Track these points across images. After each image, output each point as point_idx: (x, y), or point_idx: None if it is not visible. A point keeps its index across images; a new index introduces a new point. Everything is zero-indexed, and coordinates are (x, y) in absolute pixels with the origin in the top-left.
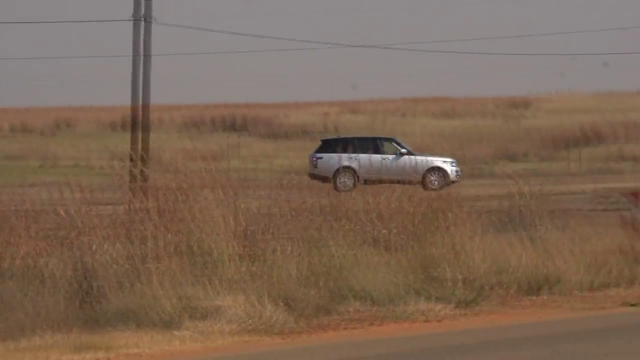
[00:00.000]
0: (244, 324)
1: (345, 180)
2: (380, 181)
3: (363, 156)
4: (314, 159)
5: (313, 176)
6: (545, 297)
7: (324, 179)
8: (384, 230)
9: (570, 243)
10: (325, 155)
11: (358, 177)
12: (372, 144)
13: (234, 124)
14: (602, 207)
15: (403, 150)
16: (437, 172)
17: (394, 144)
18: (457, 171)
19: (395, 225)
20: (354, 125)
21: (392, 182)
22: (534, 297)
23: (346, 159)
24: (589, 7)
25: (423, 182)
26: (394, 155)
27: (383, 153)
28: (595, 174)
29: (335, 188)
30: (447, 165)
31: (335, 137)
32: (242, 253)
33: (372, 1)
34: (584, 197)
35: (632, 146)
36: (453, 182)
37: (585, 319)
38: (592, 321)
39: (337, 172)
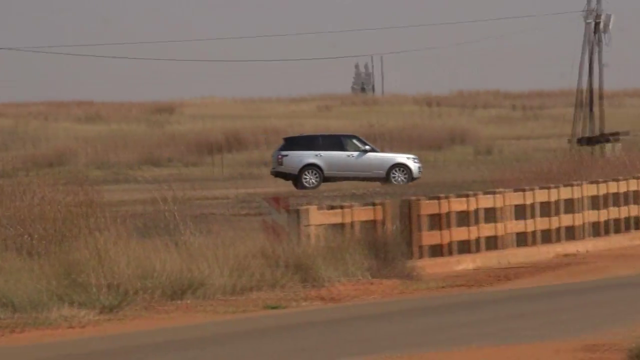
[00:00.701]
0: None
1: (311, 177)
2: (345, 178)
3: (328, 153)
4: (279, 156)
5: (277, 174)
6: (189, 302)
7: (288, 176)
8: (26, 236)
9: (214, 247)
10: (291, 153)
11: (323, 174)
12: (336, 141)
13: None
14: (244, 211)
15: (367, 147)
16: (400, 168)
17: (355, 141)
18: (419, 167)
19: (37, 231)
20: None
21: (356, 179)
22: (179, 302)
23: (312, 156)
24: (234, 15)
25: (387, 179)
26: (358, 153)
27: (347, 150)
28: (238, 179)
29: (301, 185)
30: (410, 161)
31: (298, 134)
32: None
33: (16, 2)
34: (227, 202)
35: (273, 152)
36: (416, 178)
37: (229, 323)
38: (235, 324)
39: (303, 169)
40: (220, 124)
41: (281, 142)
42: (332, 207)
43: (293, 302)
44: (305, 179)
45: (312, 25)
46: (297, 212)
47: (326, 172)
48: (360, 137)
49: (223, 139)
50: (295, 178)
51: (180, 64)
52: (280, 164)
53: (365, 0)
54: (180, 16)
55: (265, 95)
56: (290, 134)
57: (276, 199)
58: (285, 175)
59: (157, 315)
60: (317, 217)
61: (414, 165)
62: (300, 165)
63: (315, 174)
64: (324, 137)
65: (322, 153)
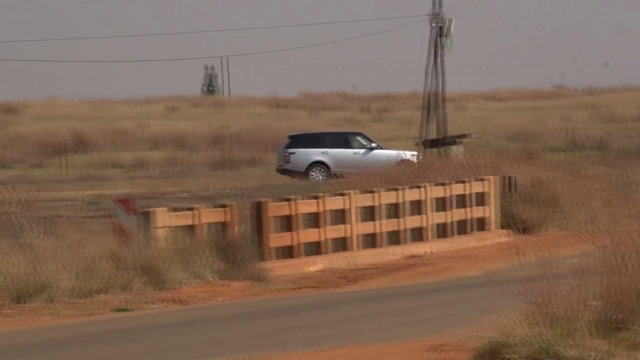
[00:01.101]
0: None
1: (318, 174)
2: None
3: (335, 151)
4: (287, 154)
5: (284, 171)
6: (35, 305)
7: (296, 173)
8: None
9: (62, 250)
10: (298, 151)
11: (330, 171)
12: (342, 139)
13: None
14: (92, 213)
15: (373, 145)
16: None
17: (361, 138)
18: None
19: None
20: None
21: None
22: (24, 305)
23: (319, 153)
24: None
25: None
26: (364, 150)
27: (353, 148)
28: (86, 180)
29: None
30: (415, 158)
31: (303, 132)
32: None
33: None
34: (74, 204)
35: (121, 153)
36: None
37: (76, 325)
38: (83, 327)
39: (310, 166)
40: (67, 125)
41: (183, 145)
42: (179, 209)
43: (142, 304)
44: (313, 176)
45: (163, 26)
46: (146, 214)
47: (333, 170)
48: (366, 135)
49: (69, 140)
50: (303, 175)
51: (24, 64)
52: (287, 161)
53: (214, 2)
54: (23, 15)
55: (113, 96)
56: (139, 136)
57: (125, 201)
58: (292, 173)
59: (2, 319)
60: (166, 219)
61: (418, 162)
62: (308, 163)
63: (323, 172)
64: (330, 134)
65: (329, 150)
